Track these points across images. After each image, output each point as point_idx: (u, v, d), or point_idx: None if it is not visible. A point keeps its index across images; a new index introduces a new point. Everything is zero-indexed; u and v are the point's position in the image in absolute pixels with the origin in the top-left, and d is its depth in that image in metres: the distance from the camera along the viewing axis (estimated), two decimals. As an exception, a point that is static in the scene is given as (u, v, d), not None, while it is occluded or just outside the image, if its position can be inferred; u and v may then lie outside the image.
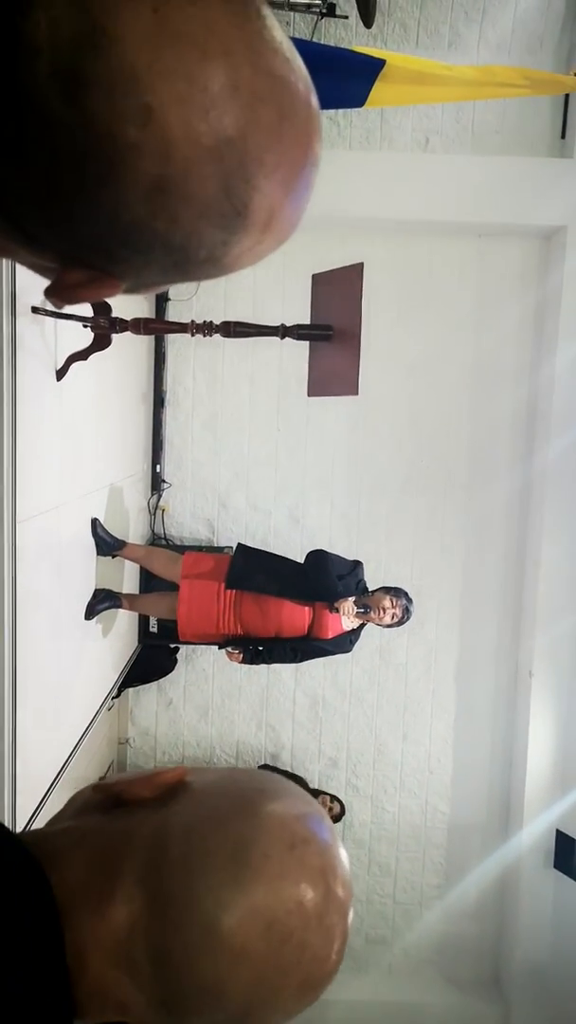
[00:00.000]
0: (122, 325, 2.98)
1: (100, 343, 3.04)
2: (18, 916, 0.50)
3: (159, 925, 0.52)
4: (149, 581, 4.59)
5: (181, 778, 0.60)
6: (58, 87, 0.39)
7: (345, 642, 3.76)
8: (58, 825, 0.62)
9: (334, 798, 4.84)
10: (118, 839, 0.56)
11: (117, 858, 0.55)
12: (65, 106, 0.39)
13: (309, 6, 4.15)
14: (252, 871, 0.51)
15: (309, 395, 3.37)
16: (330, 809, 4.78)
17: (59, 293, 0.50)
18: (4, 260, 2.41)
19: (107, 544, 3.72)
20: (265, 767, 5.10)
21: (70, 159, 0.41)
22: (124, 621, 4.45)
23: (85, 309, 2.94)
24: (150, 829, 0.56)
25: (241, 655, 3.75)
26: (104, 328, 2.98)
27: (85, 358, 3.02)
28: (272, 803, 0.56)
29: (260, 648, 3.74)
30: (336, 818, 4.82)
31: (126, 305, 3.35)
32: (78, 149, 0.40)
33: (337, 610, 3.60)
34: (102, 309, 2.94)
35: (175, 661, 5.21)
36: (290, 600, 3.66)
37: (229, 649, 3.77)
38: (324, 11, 4.13)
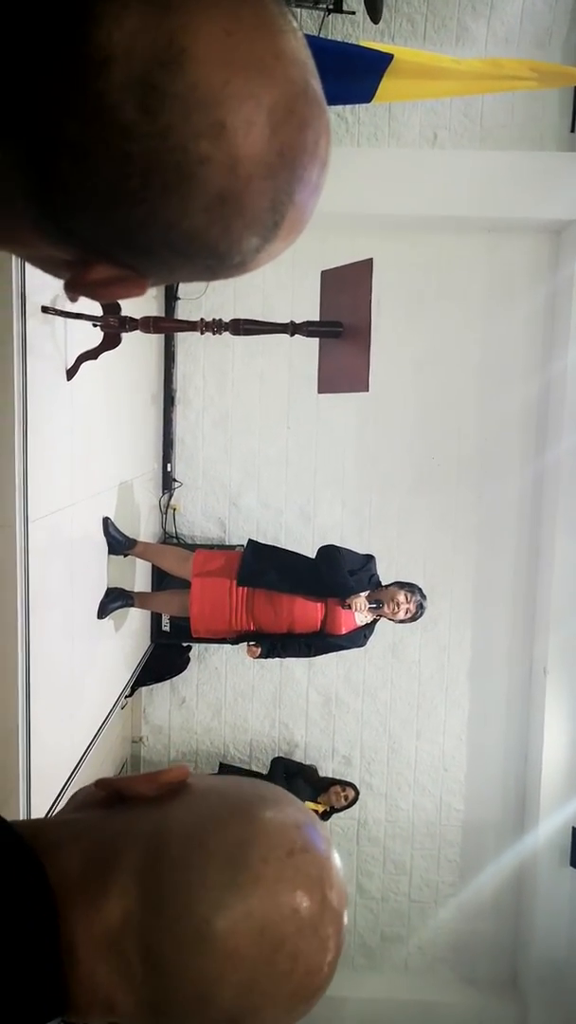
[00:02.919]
0: (132, 324, 2.98)
1: (110, 342, 3.05)
2: (12, 904, 0.50)
3: (152, 922, 0.51)
4: (161, 579, 4.60)
5: (183, 778, 0.60)
6: (134, 97, 0.41)
7: (359, 637, 3.75)
8: (59, 817, 0.62)
9: (345, 785, 4.84)
10: (117, 834, 0.56)
11: (115, 852, 0.55)
12: (141, 116, 0.41)
13: (316, 2, 4.15)
14: (250, 874, 0.51)
15: (319, 392, 3.35)
16: (344, 796, 4.79)
17: (81, 289, 0.52)
18: (13, 261, 2.42)
19: (119, 543, 3.73)
20: (278, 760, 5.11)
21: (140, 166, 0.43)
22: (136, 620, 4.46)
23: (95, 308, 2.94)
24: (150, 826, 0.56)
25: (259, 649, 3.75)
26: (114, 327, 2.98)
27: (95, 357, 3.02)
28: (272, 810, 0.56)
29: (276, 643, 3.74)
30: (352, 802, 4.82)
31: (135, 304, 3.35)
32: (150, 157, 0.42)
33: (350, 606, 3.59)
34: (112, 308, 2.95)
35: (188, 660, 5.21)
36: (302, 596, 3.65)
37: (249, 644, 3.77)
38: (331, 7, 4.13)
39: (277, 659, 4.02)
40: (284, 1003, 0.52)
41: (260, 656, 3.78)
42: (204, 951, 0.50)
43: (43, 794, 2.80)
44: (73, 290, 0.52)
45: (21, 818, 2.52)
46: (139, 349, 4.26)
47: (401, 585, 3.68)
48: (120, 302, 2.89)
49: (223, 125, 0.42)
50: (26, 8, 0.41)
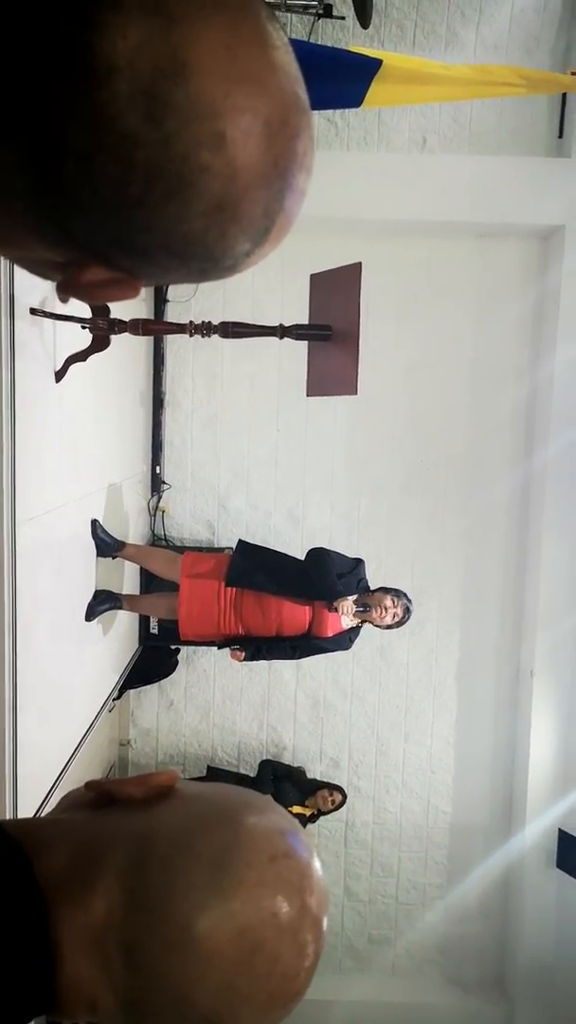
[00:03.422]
0: (121, 326, 2.98)
1: (99, 344, 3.04)
2: (2, 902, 0.50)
3: (135, 921, 0.52)
4: (149, 582, 4.60)
5: (172, 782, 0.61)
6: (138, 107, 0.42)
7: (344, 640, 3.76)
8: (48, 817, 0.63)
9: (333, 788, 4.85)
10: (104, 834, 0.57)
11: (101, 852, 0.55)
12: (144, 125, 0.43)
13: (306, 7, 4.16)
14: (232, 878, 0.52)
15: (308, 395, 3.36)
16: (332, 800, 4.79)
17: (74, 290, 0.53)
18: (1, 263, 2.41)
19: (107, 545, 3.72)
20: (267, 762, 5.11)
21: (143, 173, 0.44)
22: (124, 622, 4.45)
23: (84, 310, 2.94)
24: (137, 827, 0.57)
25: (243, 653, 3.75)
26: (103, 329, 2.98)
27: (84, 359, 3.02)
28: (257, 816, 0.57)
29: (261, 646, 3.74)
30: (339, 806, 4.83)
31: (124, 306, 3.35)
32: (153, 165, 0.44)
33: (336, 609, 3.59)
34: (101, 310, 2.94)
35: (176, 662, 5.21)
36: (290, 599, 3.65)
37: (233, 648, 3.77)
38: (321, 12, 4.13)
39: (265, 661, 4.02)
40: (261, 1006, 0.52)
41: (245, 659, 3.78)
42: (184, 951, 0.51)
43: (30, 796, 2.79)
44: (66, 292, 0.53)
45: (8, 816, 2.52)
46: (128, 351, 4.25)
47: (387, 590, 3.69)
48: (109, 304, 2.90)
49: (223, 135, 0.44)
50: (31, 13, 0.42)
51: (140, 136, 0.43)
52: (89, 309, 2.93)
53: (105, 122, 0.42)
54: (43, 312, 2.72)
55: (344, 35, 4.61)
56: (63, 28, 0.42)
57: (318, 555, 3.69)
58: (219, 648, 3.96)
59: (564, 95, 4.78)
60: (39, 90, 0.42)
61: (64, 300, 0.55)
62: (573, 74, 3.85)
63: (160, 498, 5.19)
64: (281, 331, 3.09)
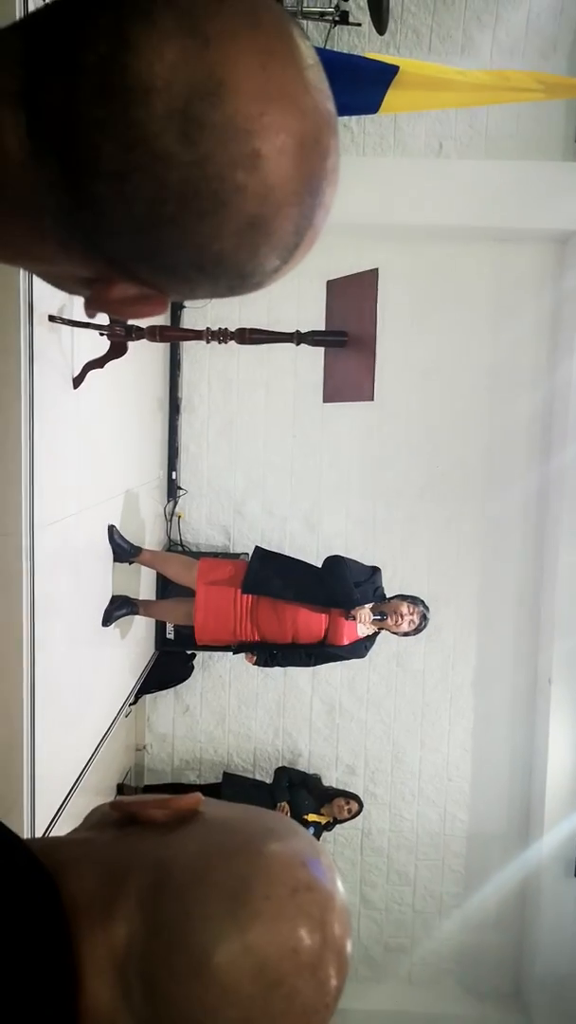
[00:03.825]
0: (138, 333, 3.00)
1: (116, 351, 3.06)
2: (28, 927, 0.50)
3: (153, 949, 0.51)
4: (166, 587, 4.60)
5: (195, 806, 0.59)
6: (175, 127, 0.43)
7: (360, 648, 3.75)
8: (72, 836, 0.62)
9: (348, 798, 4.82)
10: (126, 857, 0.56)
11: (123, 876, 0.54)
12: (181, 145, 0.43)
13: (322, 14, 4.17)
14: (251, 910, 0.51)
15: (324, 401, 3.37)
16: (348, 809, 4.76)
17: (103, 306, 0.53)
18: (21, 270, 2.43)
19: (123, 551, 3.73)
20: (282, 769, 5.09)
21: (177, 193, 0.44)
22: (141, 627, 4.46)
23: (102, 317, 2.95)
24: (157, 852, 0.56)
25: (255, 656, 3.75)
26: (120, 336, 2.99)
27: (101, 366, 3.03)
28: (279, 844, 0.55)
29: (275, 652, 3.74)
30: (355, 815, 4.81)
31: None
32: (187, 185, 0.44)
33: (353, 617, 3.58)
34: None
35: (192, 667, 5.21)
36: (306, 606, 3.65)
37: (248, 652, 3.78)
38: (337, 19, 4.14)
39: (281, 668, 4.01)
40: None
41: (256, 664, 3.79)
42: (201, 983, 0.50)
43: (48, 801, 2.80)
44: (94, 307, 0.53)
45: (25, 823, 2.52)
46: (145, 357, 4.27)
47: (404, 597, 3.68)
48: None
49: (258, 154, 0.44)
50: (67, 32, 0.43)
51: (176, 156, 0.43)
52: (107, 316, 2.94)
53: (141, 142, 0.43)
54: (61, 319, 2.74)
55: (360, 41, 4.62)
56: (100, 48, 0.42)
57: (335, 563, 3.68)
58: (234, 652, 3.96)
59: (581, 99, 4.76)
60: (73, 108, 0.43)
61: (91, 316, 0.56)
62: (591, 78, 3.84)
63: (176, 504, 5.20)
64: (298, 337, 3.09)
